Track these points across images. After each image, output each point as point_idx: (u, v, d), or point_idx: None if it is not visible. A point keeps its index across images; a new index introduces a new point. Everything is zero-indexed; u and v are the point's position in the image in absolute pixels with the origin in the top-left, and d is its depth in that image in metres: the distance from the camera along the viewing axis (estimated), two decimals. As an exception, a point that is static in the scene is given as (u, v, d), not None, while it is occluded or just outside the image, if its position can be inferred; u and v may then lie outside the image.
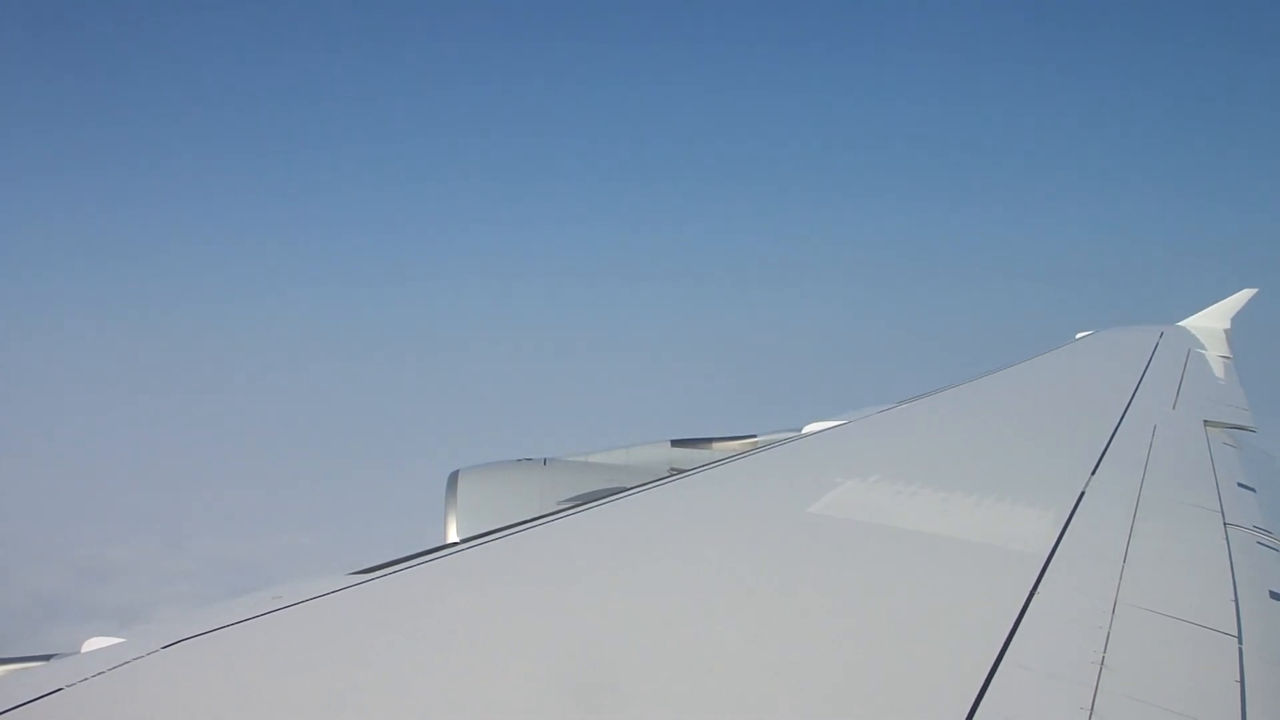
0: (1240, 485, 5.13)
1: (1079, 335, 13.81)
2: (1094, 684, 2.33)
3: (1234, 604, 3.06)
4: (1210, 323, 15.07)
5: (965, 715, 2.11)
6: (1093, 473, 4.77)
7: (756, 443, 6.45)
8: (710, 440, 6.65)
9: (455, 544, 3.31)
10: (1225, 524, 4.12)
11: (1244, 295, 15.72)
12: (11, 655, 2.57)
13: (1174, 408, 7.76)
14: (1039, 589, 2.96)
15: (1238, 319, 15.24)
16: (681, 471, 4.92)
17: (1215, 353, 12.64)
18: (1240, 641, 2.74)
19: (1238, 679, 2.48)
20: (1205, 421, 7.16)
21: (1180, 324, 15.25)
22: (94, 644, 2.40)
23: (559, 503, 4.86)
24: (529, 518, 3.66)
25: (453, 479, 5.44)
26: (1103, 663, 2.46)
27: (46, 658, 2.43)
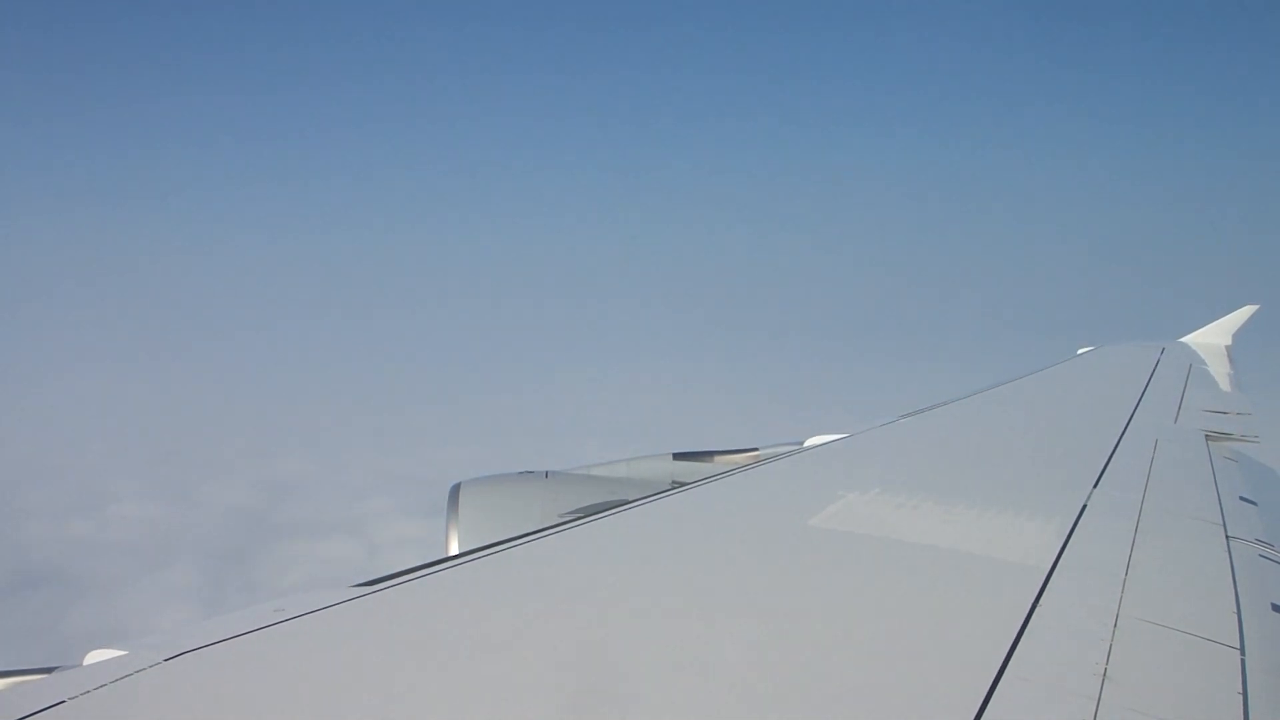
0: (1242, 498, 5.13)
1: (1080, 351, 13.83)
2: (1096, 696, 2.33)
3: (1236, 616, 3.05)
4: (1212, 339, 15.10)
5: None
6: (1094, 486, 4.77)
7: (758, 455, 6.46)
8: (712, 453, 6.66)
9: (456, 557, 3.31)
10: (1227, 536, 4.12)
11: (1245, 311, 15.77)
12: (13, 668, 2.57)
13: (1175, 422, 7.76)
14: (1041, 601, 2.96)
15: (1239, 335, 15.28)
16: (683, 484, 4.92)
17: (1217, 368, 12.63)
18: (1242, 654, 2.74)
19: (1240, 691, 2.48)
20: (1207, 435, 7.16)
21: (1182, 340, 15.27)
22: (96, 656, 2.40)
23: (561, 515, 4.86)
24: (530, 530, 3.66)
25: (454, 491, 5.44)
26: (1105, 675, 2.46)
27: (49, 670, 2.43)
